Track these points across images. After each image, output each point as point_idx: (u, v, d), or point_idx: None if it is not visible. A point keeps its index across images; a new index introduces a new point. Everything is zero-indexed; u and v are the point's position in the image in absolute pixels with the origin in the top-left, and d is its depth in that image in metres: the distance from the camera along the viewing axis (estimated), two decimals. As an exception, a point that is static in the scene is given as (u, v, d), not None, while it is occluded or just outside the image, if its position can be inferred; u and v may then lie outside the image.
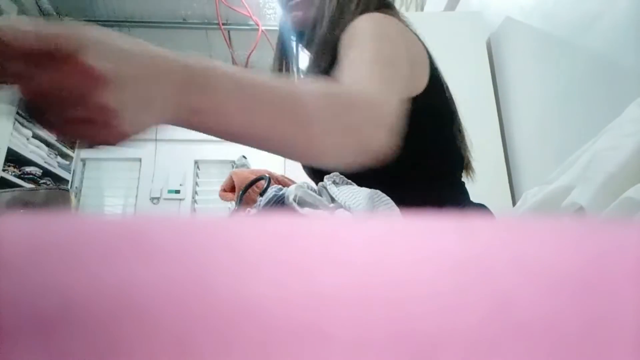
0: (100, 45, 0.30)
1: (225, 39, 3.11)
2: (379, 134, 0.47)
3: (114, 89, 0.29)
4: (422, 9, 2.54)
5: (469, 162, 0.76)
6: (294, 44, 0.84)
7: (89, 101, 0.29)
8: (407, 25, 0.73)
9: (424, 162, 0.68)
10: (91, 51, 0.29)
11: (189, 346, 0.11)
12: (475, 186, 0.76)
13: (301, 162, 0.64)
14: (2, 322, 0.11)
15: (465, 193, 0.74)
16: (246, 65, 3.24)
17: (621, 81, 1.03)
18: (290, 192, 0.49)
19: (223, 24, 3.17)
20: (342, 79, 0.53)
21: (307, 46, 0.80)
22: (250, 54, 3.02)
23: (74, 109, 0.29)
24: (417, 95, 0.67)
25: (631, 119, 0.70)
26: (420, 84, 0.68)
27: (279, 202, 0.50)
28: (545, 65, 1.37)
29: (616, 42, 1.05)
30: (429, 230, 0.16)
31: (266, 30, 2.95)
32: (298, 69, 0.84)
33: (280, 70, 0.82)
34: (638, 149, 0.63)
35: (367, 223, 0.16)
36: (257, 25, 2.95)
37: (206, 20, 3.36)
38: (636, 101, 0.74)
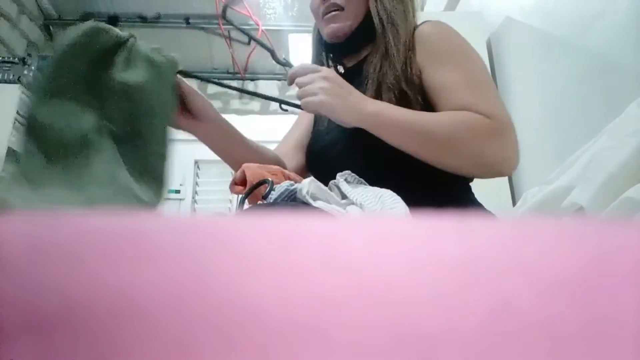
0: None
1: (225, 39, 3.11)
2: (506, 152, 0.61)
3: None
4: (422, 9, 2.54)
5: None
6: (322, 55, 0.84)
7: None
8: None
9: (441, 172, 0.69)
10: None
11: (189, 346, 0.11)
12: (476, 186, 0.76)
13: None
14: (2, 322, 0.11)
15: (473, 194, 0.74)
16: (246, 65, 3.24)
17: (621, 81, 1.03)
18: (303, 186, 0.49)
19: (223, 24, 3.17)
20: (456, 104, 0.62)
21: (343, 56, 0.81)
22: (250, 54, 3.02)
23: None
24: None
25: (631, 119, 0.70)
26: None
27: (291, 197, 0.50)
28: (545, 65, 1.37)
29: (616, 42, 1.05)
30: (429, 230, 0.16)
31: (266, 30, 2.95)
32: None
33: None
34: (638, 148, 0.63)
35: (367, 224, 0.16)
36: (258, 25, 2.94)
37: (206, 20, 3.36)
38: (636, 101, 0.74)
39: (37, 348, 0.11)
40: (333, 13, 0.75)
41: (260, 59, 3.32)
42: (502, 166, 0.61)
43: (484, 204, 0.72)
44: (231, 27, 3.11)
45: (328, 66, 0.83)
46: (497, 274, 0.14)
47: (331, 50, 0.82)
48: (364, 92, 0.64)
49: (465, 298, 0.13)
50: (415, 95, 0.65)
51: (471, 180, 0.74)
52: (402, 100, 0.65)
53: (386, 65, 0.69)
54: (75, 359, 0.11)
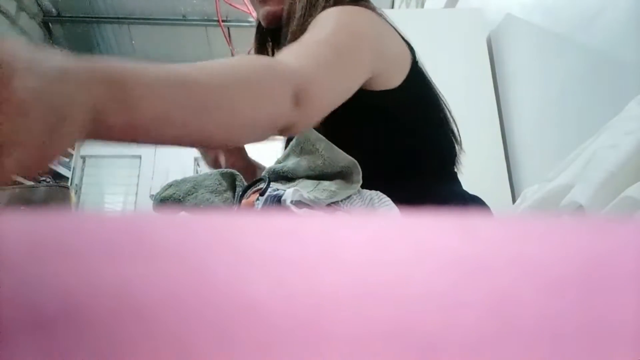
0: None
1: (225, 36, 3.10)
2: (285, 104, 0.45)
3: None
4: (422, 6, 2.53)
5: (457, 154, 0.75)
6: (269, 46, 0.81)
7: None
8: (384, 20, 0.71)
9: (411, 157, 0.68)
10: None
11: (190, 344, 0.11)
12: (475, 183, 0.76)
13: (219, 148, 0.61)
14: (2, 321, 0.12)
15: (458, 184, 0.73)
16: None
17: (621, 78, 1.03)
18: (287, 196, 0.49)
19: (223, 21, 3.16)
20: (278, 56, 0.51)
21: (281, 42, 0.76)
22: (250, 51, 3.02)
23: None
24: (392, 89, 0.66)
25: (631, 117, 0.70)
26: (394, 78, 0.67)
27: (276, 202, 0.50)
28: (545, 62, 1.37)
29: (616, 39, 1.05)
30: (429, 228, 0.16)
31: (266, 27, 2.94)
32: None
33: None
34: (638, 147, 0.63)
35: (367, 222, 0.16)
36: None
37: (206, 17, 3.35)
38: (636, 98, 0.73)
39: (37, 346, 0.11)
40: None
41: (260, 56, 3.30)
42: (282, 123, 0.47)
43: (468, 193, 0.71)
44: (231, 24, 3.10)
45: (273, 52, 0.79)
46: (497, 272, 0.14)
47: (272, 37, 0.80)
48: None
49: (465, 296, 0.13)
50: None
51: (451, 167, 0.73)
52: None
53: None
54: (76, 357, 0.11)
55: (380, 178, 0.59)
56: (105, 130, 0.32)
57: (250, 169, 0.79)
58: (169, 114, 0.36)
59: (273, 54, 0.80)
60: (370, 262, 0.14)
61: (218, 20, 3.08)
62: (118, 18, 3.44)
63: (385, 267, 0.14)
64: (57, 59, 0.30)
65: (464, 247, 0.14)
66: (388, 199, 0.51)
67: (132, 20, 3.43)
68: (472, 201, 0.70)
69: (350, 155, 0.58)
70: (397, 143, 0.67)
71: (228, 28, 3.21)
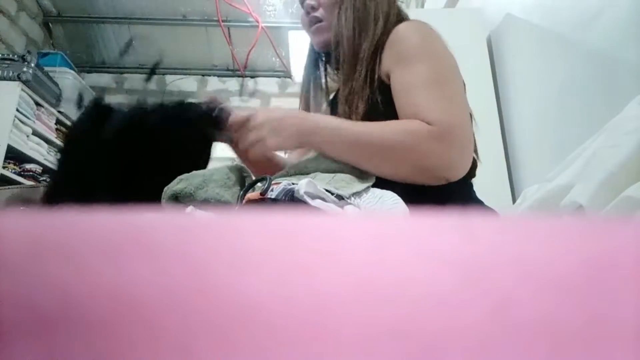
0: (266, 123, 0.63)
1: (225, 36, 3.10)
2: (440, 157, 0.60)
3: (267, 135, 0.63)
4: (422, 6, 2.53)
5: (476, 167, 0.77)
6: (322, 64, 0.88)
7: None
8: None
9: None
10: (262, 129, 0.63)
11: (190, 344, 0.11)
12: (476, 183, 0.76)
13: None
14: (2, 321, 0.12)
15: (474, 192, 0.74)
16: (246, 63, 3.23)
17: (621, 78, 1.03)
18: (300, 186, 0.50)
19: (223, 21, 3.16)
20: (407, 110, 0.63)
21: (331, 63, 0.84)
22: (250, 51, 3.02)
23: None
24: None
25: (631, 117, 0.70)
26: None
27: (289, 195, 0.50)
28: (545, 62, 1.37)
29: (616, 39, 1.05)
30: (431, 228, 0.16)
31: (266, 27, 2.95)
32: (326, 87, 0.89)
33: (308, 90, 0.87)
34: (638, 147, 0.63)
35: (369, 221, 0.16)
36: (257, 22, 2.94)
37: (206, 17, 3.35)
38: (636, 99, 0.73)
39: (37, 346, 0.11)
40: (316, 26, 0.78)
41: (260, 56, 3.31)
42: (445, 172, 0.61)
43: (483, 201, 0.72)
44: (231, 24, 3.11)
45: (325, 71, 0.88)
46: (498, 272, 0.14)
47: (327, 58, 0.86)
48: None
49: (467, 296, 0.13)
50: (382, 98, 0.66)
51: (472, 176, 0.74)
52: (372, 106, 0.67)
53: (344, 74, 0.71)
54: (76, 356, 0.11)
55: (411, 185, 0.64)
56: (311, 145, 0.64)
57: (271, 164, 0.83)
58: (348, 156, 0.62)
59: (325, 70, 0.88)
60: (371, 262, 0.14)
61: (218, 20, 3.08)
62: (118, 18, 3.44)
63: (386, 267, 0.14)
64: (282, 114, 0.65)
65: (465, 247, 0.14)
66: (399, 198, 0.52)
67: (132, 20, 3.43)
68: (482, 207, 0.70)
69: None
70: None
71: (228, 28, 3.21)
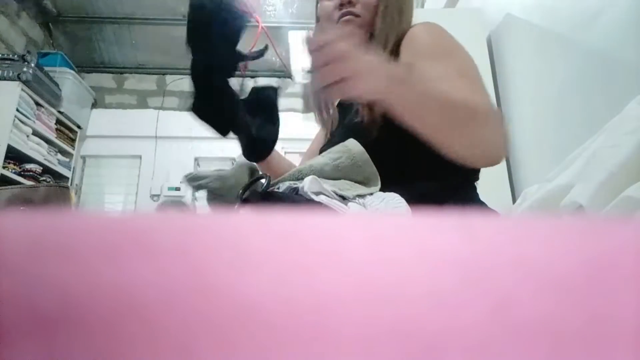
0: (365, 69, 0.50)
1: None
2: (499, 141, 0.58)
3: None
4: (422, 6, 2.53)
5: (479, 170, 0.77)
6: None
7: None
8: None
9: (450, 165, 0.70)
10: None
11: (190, 344, 0.11)
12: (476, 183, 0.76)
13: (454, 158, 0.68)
14: (2, 321, 0.12)
15: (477, 194, 0.75)
16: (246, 62, 3.22)
17: (621, 78, 1.03)
18: (304, 183, 0.50)
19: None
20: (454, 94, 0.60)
21: None
22: (250, 51, 3.01)
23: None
24: None
25: (631, 117, 0.70)
26: None
27: (294, 193, 0.51)
28: (545, 62, 1.37)
29: (616, 39, 1.05)
30: (431, 228, 0.16)
31: (266, 27, 2.94)
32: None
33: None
34: (638, 147, 0.63)
35: (369, 221, 0.16)
36: (257, 22, 2.93)
37: (206, 17, 3.34)
38: (636, 99, 0.73)
39: (37, 346, 0.11)
40: (348, 17, 0.77)
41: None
42: (494, 153, 0.59)
43: (486, 204, 0.72)
44: (231, 24, 3.10)
45: None
46: (498, 272, 0.14)
47: None
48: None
49: (467, 296, 0.13)
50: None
51: (476, 178, 0.75)
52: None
53: None
54: (76, 356, 0.11)
55: (421, 178, 0.64)
56: (391, 98, 0.52)
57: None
58: (428, 110, 0.53)
59: None
60: (371, 262, 0.14)
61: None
62: (118, 18, 3.43)
63: (386, 267, 0.14)
64: (383, 61, 0.52)
65: (465, 247, 0.14)
66: (402, 200, 0.52)
67: (132, 21, 3.43)
68: (482, 206, 0.71)
69: (388, 152, 0.65)
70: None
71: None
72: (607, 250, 0.15)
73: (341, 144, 0.65)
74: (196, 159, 4.08)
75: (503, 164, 1.53)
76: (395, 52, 0.71)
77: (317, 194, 0.50)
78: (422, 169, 0.66)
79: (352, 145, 0.63)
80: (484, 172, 0.78)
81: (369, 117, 0.68)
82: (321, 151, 0.80)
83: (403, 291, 0.13)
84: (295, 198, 0.50)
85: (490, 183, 0.81)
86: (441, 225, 0.16)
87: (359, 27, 0.77)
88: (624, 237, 0.15)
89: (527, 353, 0.12)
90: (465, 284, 0.13)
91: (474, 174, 0.75)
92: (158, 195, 3.94)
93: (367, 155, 0.61)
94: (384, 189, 0.58)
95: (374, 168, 0.61)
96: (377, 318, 0.12)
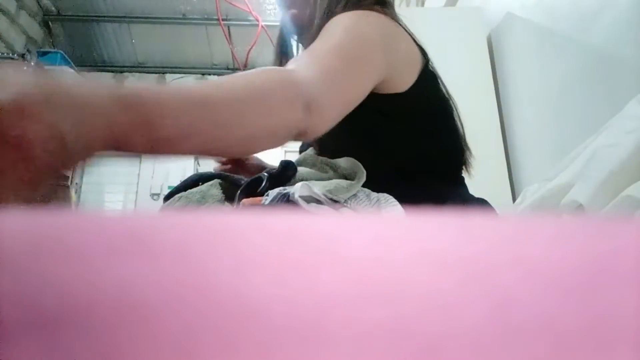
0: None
1: (225, 35, 3.10)
2: (297, 114, 0.47)
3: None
4: (422, 5, 2.53)
5: (467, 159, 0.76)
6: (294, 41, 0.84)
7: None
8: (396, 22, 0.72)
9: (421, 159, 0.69)
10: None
11: (191, 345, 0.11)
12: (475, 182, 0.76)
13: (237, 157, 0.63)
14: (2, 321, 0.12)
15: (465, 188, 0.74)
16: (246, 61, 3.23)
17: (621, 77, 1.03)
18: (295, 190, 0.50)
19: (223, 20, 3.15)
20: (288, 66, 0.53)
21: (305, 43, 0.80)
22: (250, 50, 3.01)
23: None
24: (400, 93, 0.66)
25: (631, 116, 0.70)
26: (403, 82, 0.67)
27: (284, 199, 0.50)
28: (545, 61, 1.37)
29: (617, 38, 1.05)
30: (430, 228, 0.16)
31: (266, 26, 2.94)
32: None
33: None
34: (638, 146, 0.63)
35: (369, 222, 0.16)
36: (257, 20, 2.93)
37: (206, 16, 3.34)
38: (636, 98, 0.73)
39: (38, 347, 0.11)
40: None
41: (260, 55, 3.31)
42: (283, 131, 0.47)
43: (474, 196, 0.72)
44: (231, 23, 3.10)
45: (298, 51, 0.83)
46: (498, 272, 0.14)
47: (300, 40, 0.82)
48: None
49: (466, 296, 0.13)
50: None
51: (457, 171, 0.74)
52: None
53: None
54: (77, 357, 0.11)
55: (384, 179, 0.60)
56: (130, 147, 0.35)
57: (254, 168, 0.82)
58: (190, 130, 0.38)
59: (297, 51, 0.83)
60: (371, 263, 0.14)
61: (218, 19, 3.08)
62: (118, 17, 3.43)
63: (386, 267, 0.14)
64: (73, 86, 0.32)
65: (465, 247, 0.14)
66: (395, 200, 0.52)
67: (132, 19, 3.42)
68: (475, 203, 0.70)
69: (357, 156, 0.61)
70: (401, 146, 0.68)
71: (228, 27, 3.20)
72: (607, 250, 0.15)
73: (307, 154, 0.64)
74: (196, 159, 4.09)
75: (503, 162, 1.53)
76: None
77: (308, 199, 0.49)
78: (393, 170, 0.65)
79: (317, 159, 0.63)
80: (484, 173, 0.78)
81: None
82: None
83: (403, 291, 0.13)
84: (283, 208, 0.49)
85: (490, 181, 0.81)
86: (440, 225, 0.16)
87: (303, 6, 0.73)
88: (625, 237, 0.15)
89: (527, 353, 0.12)
90: (465, 284, 0.13)
91: (458, 165, 0.74)
92: (158, 194, 3.94)
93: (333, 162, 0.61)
94: (376, 189, 0.57)
95: (347, 159, 0.61)
96: (377, 318, 0.12)
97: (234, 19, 3.29)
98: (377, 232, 0.15)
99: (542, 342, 0.12)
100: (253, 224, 0.15)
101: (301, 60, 0.55)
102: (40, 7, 3.40)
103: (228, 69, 3.63)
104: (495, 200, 0.72)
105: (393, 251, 0.14)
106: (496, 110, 1.60)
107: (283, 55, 0.83)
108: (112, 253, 0.13)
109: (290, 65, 0.53)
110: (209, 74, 3.70)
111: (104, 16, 3.45)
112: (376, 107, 0.64)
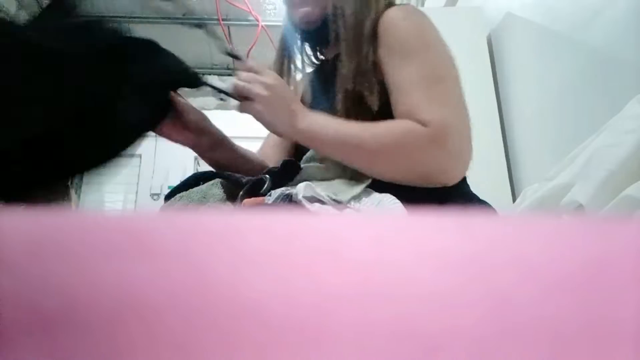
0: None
1: (225, 35, 3.10)
2: (435, 160, 0.58)
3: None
4: (422, 4, 2.53)
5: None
6: (297, 43, 0.81)
7: None
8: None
9: None
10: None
11: (191, 344, 0.11)
12: (475, 182, 0.76)
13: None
14: (2, 321, 0.12)
15: (468, 186, 0.74)
16: (246, 61, 3.22)
17: (621, 77, 1.03)
18: (299, 190, 0.49)
19: (223, 20, 3.15)
20: (401, 109, 0.61)
21: (320, 44, 0.78)
22: (250, 50, 3.01)
23: None
24: None
25: (631, 116, 0.70)
26: None
27: (287, 199, 0.50)
28: (545, 60, 1.37)
29: (616, 38, 1.05)
30: (431, 228, 0.16)
31: (266, 26, 2.94)
32: (303, 68, 0.83)
33: (280, 71, 0.80)
34: (638, 146, 0.63)
35: (370, 222, 0.16)
36: (257, 20, 2.93)
37: (206, 16, 3.34)
38: (636, 97, 0.73)
39: (37, 346, 0.11)
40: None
41: (260, 55, 3.31)
42: (438, 177, 0.59)
43: (477, 196, 0.72)
44: (231, 23, 3.10)
45: (302, 57, 0.82)
46: (498, 272, 0.14)
47: (308, 40, 0.80)
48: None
49: (467, 295, 0.13)
50: (372, 91, 0.63)
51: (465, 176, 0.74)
52: (358, 100, 0.63)
53: (341, 62, 0.66)
54: (76, 356, 0.11)
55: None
56: (300, 140, 0.62)
57: (240, 160, 0.78)
58: (340, 158, 0.60)
59: (302, 56, 0.82)
60: (372, 262, 0.14)
61: (218, 19, 3.07)
62: (118, 17, 3.43)
63: (387, 267, 0.14)
64: (296, 107, 0.61)
65: (465, 247, 0.14)
66: (397, 201, 0.52)
67: (132, 19, 3.42)
68: (477, 202, 0.70)
69: None
70: None
71: (228, 27, 3.20)
72: (607, 250, 0.15)
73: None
74: (196, 158, 4.08)
75: (503, 162, 1.53)
76: (374, 35, 0.67)
77: (311, 199, 0.49)
78: None
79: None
80: (484, 172, 0.78)
81: (346, 104, 0.65)
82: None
83: (403, 291, 0.13)
84: (288, 208, 0.49)
85: (490, 182, 0.81)
86: (441, 225, 0.16)
87: (313, 5, 0.71)
88: (624, 237, 0.15)
89: (527, 353, 0.12)
90: (465, 284, 0.13)
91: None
92: (158, 194, 3.94)
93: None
94: (379, 189, 0.57)
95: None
96: (377, 318, 0.12)
97: (234, 19, 3.29)
98: (378, 232, 0.15)
99: (542, 341, 0.12)
100: (254, 224, 0.15)
101: (415, 102, 0.60)
102: (40, 6, 3.40)
103: (228, 69, 3.63)
104: (495, 200, 0.72)
105: (393, 251, 0.14)
106: (496, 109, 1.60)
107: (287, 58, 0.81)
108: (112, 253, 0.13)
109: (411, 111, 0.60)
110: (209, 74, 3.70)
111: (104, 16, 3.45)
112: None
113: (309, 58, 0.83)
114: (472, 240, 0.15)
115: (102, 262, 0.13)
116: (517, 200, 1.00)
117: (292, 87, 0.80)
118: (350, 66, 0.65)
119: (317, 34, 0.73)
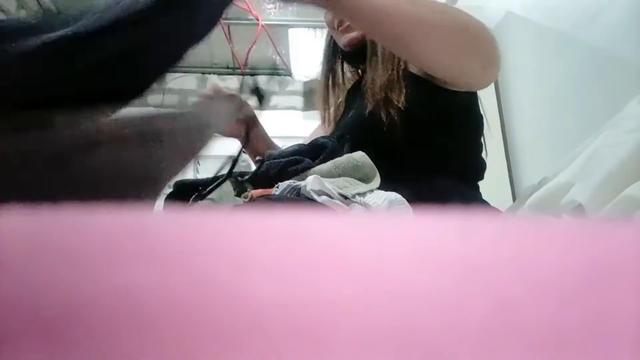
0: None
1: (225, 34, 3.09)
2: (488, 60, 0.61)
3: None
4: (422, 4, 2.53)
5: (484, 169, 0.78)
6: (339, 61, 0.90)
7: None
8: None
9: (459, 163, 0.70)
10: None
11: (192, 347, 0.11)
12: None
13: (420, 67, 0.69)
14: (2, 322, 0.12)
15: (480, 193, 0.75)
16: (246, 60, 3.22)
17: (622, 76, 1.03)
18: (307, 182, 0.50)
19: (223, 19, 3.14)
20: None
21: (360, 62, 0.84)
22: (250, 49, 3.01)
23: None
24: (461, 92, 0.71)
25: (631, 115, 0.70)
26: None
27: (294, 193, 0.51)
28: (546, 60, 1.36)
29: (617, 38, 1.05)
30: (431, 228, 0.16)
31: (266, 25, 2.93)
32: (344, 83, 0.90)
33: (326, 86, 0.89)
34: (638, 146, 0.63)
35: (370, 221, 0.16)
36: (257, 19, 2.93)
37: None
38: (636, 97, 0.73)
39: (38, 348, 0.11)
40: (347, 24, 0.79)
41: (260, 54, 3.30)
42: (477, 73, 0.62)
43: (489, 203, 0.72)
44: (231, 22, 3.09)
45: (343, 73, 0.90)
46: (498, 272, 0.14)
47: (348, 59, 0.88)
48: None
49: (467, 296, 0.13)
50: (400, 93, 0.67)
51: (479, 178, 0.75)
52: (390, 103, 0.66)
53: (371, 73, 0.71)
54: (77, 358, 0.11)
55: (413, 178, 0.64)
56: (335, 9, 0.57)
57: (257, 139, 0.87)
58: (393, 31, 0.56)
59: (342, 73, 0.90)
60: (372, 262, 0.14)
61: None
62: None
63: (387, 267, 0.14)
64: None
65: (466, 247, 0.14)
66: (404, 200, 0.52)
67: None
68: (482, 204, 0.71)
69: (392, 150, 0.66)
70: (450, 147, 0.71)
71: (228, 26, 3.20)
72: (607, 250, 0.15)
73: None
74: (196, 158, 4.07)
75: (503, 161, 1.53)
76: None
77: (319, 193, 0.50)
78: (425, 166, 0.67)
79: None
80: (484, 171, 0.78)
81: (374, 109, 0.68)
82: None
83: (404, 291, 0.13)
84: (295, 200, 0.50)
85: (490, 182, 0.81)
86: (442, 225, 0.16)
87: (357, 30, 0.79)
88: (624, 238, 0.15)
89: (527, 353, 0.12)
90: (465, 283, 0.13)
91: (476, 173, 0.75)
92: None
93: (366, 156, 0.62)
94: (386, 184, 0.58)
95: (373, 165, 0.62)
96: (378, 318, 0.12)
97: (234, 18, 3.28)
98: (377, 232, 0.15)
99: (542, 341, 0.12)
100: (255, 224, 0.15)
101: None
102: (40, 6, 3.40)
103: (228, 68, 3.63)
104: (495, 200, 0.72)
105: (394, 251, 0.14)
106: (496, 109, 1.61)
107: (331, 73, 0.89)
108: (113, 254, 0.13)
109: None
110: (209, 73, 3.70)
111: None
112: (443, 102, 0.69)
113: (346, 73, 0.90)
114: (472, 240, 0.15)
115: (103, 263, 0.13)
116: (517, 200, 1.00)
117: (339, 99, 0.88)
118: (383, 77, 0.70)
119: (357, 54, 0.81)
